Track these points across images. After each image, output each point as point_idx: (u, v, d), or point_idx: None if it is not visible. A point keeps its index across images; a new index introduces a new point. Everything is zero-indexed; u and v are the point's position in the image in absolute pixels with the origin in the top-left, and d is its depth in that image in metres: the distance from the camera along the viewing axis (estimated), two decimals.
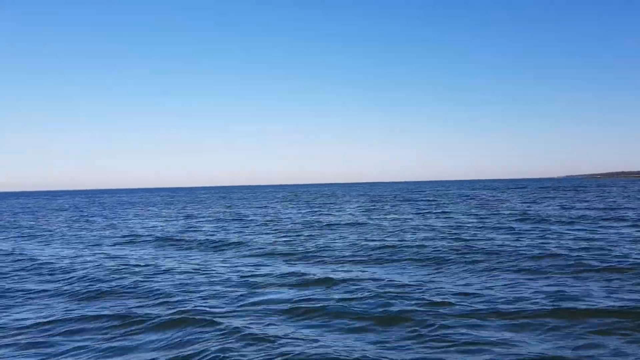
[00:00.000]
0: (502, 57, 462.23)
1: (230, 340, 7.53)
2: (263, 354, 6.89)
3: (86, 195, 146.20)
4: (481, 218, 27.72)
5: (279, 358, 6.73)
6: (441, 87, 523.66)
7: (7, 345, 7.79)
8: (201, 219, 33.97)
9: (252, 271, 13.29)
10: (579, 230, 20.51)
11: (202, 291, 11.07)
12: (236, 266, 14.29)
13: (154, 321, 8.73)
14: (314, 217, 32.52)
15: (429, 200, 52.43)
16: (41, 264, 15.78)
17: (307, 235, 21.66)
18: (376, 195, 78.14)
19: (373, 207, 42.26)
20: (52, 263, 15.81)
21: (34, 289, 11.98)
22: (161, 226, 29.16)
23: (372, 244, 18.07)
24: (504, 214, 30.28)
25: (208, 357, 6.88)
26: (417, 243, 17.70)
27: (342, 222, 27.85)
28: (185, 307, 9.63)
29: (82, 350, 7.44)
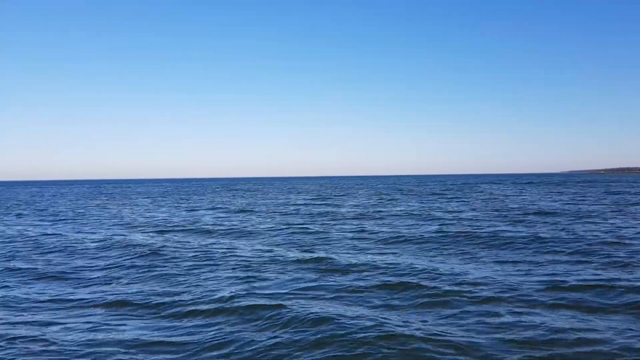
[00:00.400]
0: (507, 53, 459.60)
1: (236, 322, 7.50)
2: (277, 339, 6.82)
3: (91, 185, 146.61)
4: (488, 211, 27.56)
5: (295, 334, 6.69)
6: (446, 82, 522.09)
7: (10, 323, 7.75)
8: (205, 209, 33.98)
9: (261, 257, 13.22)
10: (589, 224, 20.32)
11: (208, 276, 11.03)
12: (243, 253, 14.21)
13: (165, 307, 8.68)
14: (322, 209, 32.45)
15: (434, 194, 52.25)
16: (46, 249, 15.79)
17: (317, 226, 21.58)
18: (381, 187, 77.96)
19: (379, 200, 42.13)
20: (56, 249, 15.82)
21: (32, 270, 11.97)
22: (164, 216, 29.18)
23: (380, 235, 17.99)
24: (510, 207, 30.10)
25: (221, 340, 6.83)
26: (424, 234, 17.61)
27: (350, 213, 27.78)
28: (193, 292, 9.60)
29: (71, 331, 7.38)
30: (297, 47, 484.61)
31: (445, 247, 15.06)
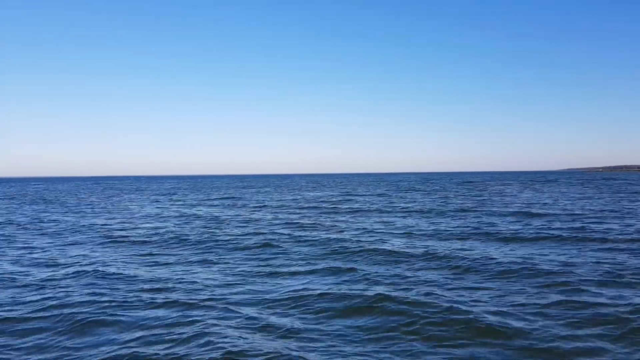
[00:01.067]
0: (507, 53, 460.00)
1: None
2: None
3: (94, 182, 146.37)
4: (493, 208, 27.87)
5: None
6: (446, 81, 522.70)
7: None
8: (208, 206, 34.23)
9: (267, 250, 13.60)
10: (595, 223, 20.64)
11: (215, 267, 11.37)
12: (248, 246, 14.56)
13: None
14: (326, 206, 32.72)
15: (435, 190, 52.57)
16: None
17: (322, 223, 21.84)
18: (384, 185, 78.18)
19: (383, 197, 42.42)
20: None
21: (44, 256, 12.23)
22: (177, 210, 29.38)
23: (384, 230, 18.30)
24: (517, 204, 30.41)
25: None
26: (426, 230, 17.95)
27: (352, 211, 28.08)
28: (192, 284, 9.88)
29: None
30: (298, 46, 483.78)
31: (444, 243, 15.36)
